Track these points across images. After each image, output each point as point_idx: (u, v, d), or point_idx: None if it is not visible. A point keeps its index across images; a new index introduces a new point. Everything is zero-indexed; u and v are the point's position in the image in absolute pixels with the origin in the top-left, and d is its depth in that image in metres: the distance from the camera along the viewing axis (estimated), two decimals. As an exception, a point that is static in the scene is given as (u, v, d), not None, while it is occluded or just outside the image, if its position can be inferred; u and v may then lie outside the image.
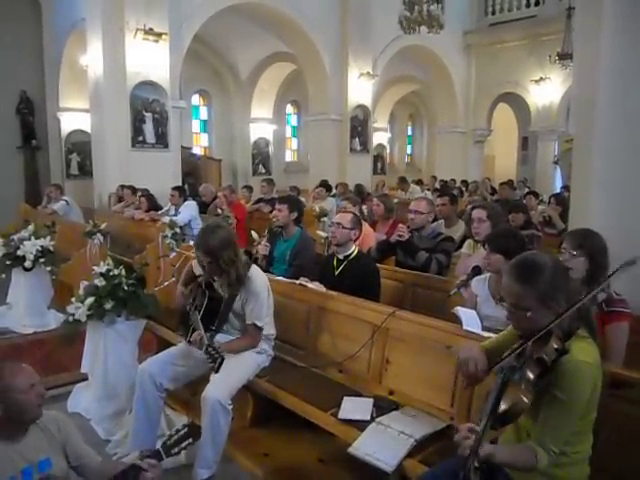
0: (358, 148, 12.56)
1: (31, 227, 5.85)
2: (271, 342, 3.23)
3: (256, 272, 3.06)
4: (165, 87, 9.04)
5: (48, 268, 5.74)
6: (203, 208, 8.01)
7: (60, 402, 3.94)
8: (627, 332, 2.49)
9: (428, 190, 11.98)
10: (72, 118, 11.29)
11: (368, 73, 12.15)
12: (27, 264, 5.61)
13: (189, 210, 7.13)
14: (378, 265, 4.09)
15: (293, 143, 17.62)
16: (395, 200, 8.91)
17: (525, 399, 1.59)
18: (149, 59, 8.76)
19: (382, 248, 4.22)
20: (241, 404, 3.48)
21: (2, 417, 2.07)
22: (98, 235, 6.14)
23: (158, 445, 2.13)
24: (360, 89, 12.21)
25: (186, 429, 2.21)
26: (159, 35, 8.52)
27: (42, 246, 5.70)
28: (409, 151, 21.51)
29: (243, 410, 3.49)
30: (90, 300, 3.68)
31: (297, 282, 3.49)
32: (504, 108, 16.88)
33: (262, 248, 4.57)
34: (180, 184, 8.78)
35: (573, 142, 3.53)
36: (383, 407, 2.63)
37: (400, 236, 3.98)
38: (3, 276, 5.72)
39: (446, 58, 14.53)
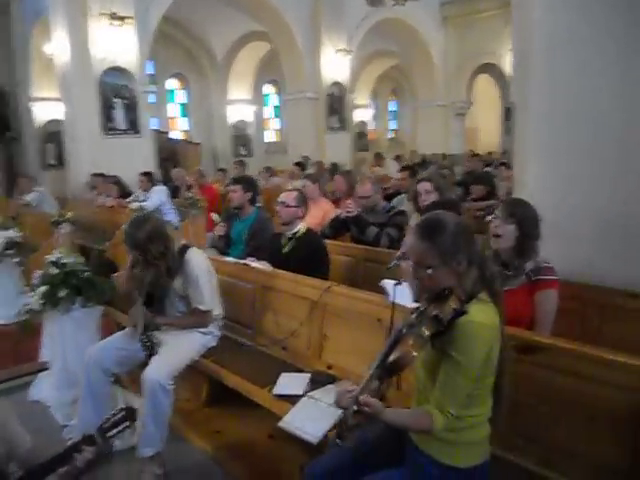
0: (336, 126, 12.50)
1: (-3, 219, 5.86)
2: (218, 322, 3.27)
3: (193, 256, 3.06)
4: (134, 72, 8.95)
5: (16, 259, 5.74)
6: (176, 193, 8.02)
7: (24, 391, 4.00)
8: (556, 299, 2.51)
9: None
10: (45, 108, 11.17)
11: (343, 49, 12.05)
12: (-7, 254, 5.62)
13: (158, 195, 7.13)
14: (331, 241, 4.14)
15: (275, 123, 17.51)
16: (370, 175, 8.95)
17: (413, 352, 1.63)
18: (115, 44, 8.66)
19: (334, 225, 4.25)
20: (195, 384, 3.55)
21: None
22: (64, 224, 6.15)
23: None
24: (335, 66, 12.11)
25: (123, 412, 2.24)
26: (123, 19, 8.40)
27: (8, 238, 5.70)
28: (394, 127, 21.40)
29: (198, 390, 3.56)
30: (43, 289, 3.71)
31: (242, 262, 3.51)
32: (487, 79, 16.78)
33: (218, 229, 4.59)
34: (151, 169, 8.71)
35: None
36: (319, 381, 2.68)
37: (348, 212, 4.00)
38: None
39: (423, 31, 14.40)
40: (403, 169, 5.29)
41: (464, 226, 1.77)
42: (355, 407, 1.60)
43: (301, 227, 3.68)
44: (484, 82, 16.67)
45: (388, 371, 1.69)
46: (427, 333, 1.64)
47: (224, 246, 4.63)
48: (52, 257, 3.80)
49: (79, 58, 8.52)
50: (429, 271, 1.71)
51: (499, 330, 1.72)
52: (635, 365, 1.83)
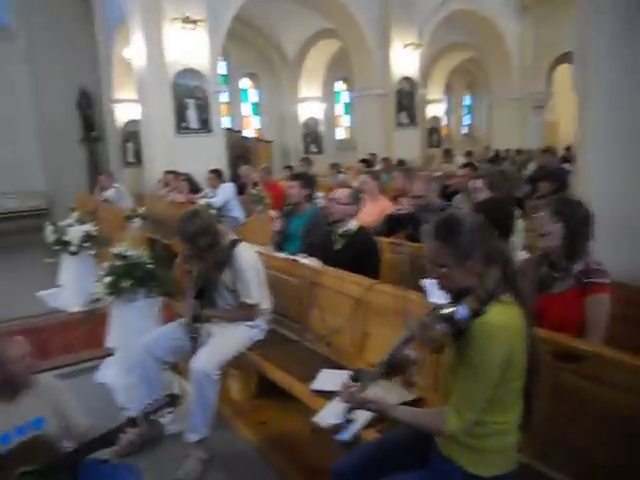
0: (405, 122, 12.33)
1: (75, 214, 6.28)
2: (266, 316, 3.33)
3: (242, 250, 3.14)
4: (205, 73, 9.25)
5: (92, 252, 6.13)
6: (243, 190, 8.23)
7: (91, 374, 4.28)
8: (608, 305, 2.35)
9: (479, 162, 11.61)
10: (125, 109, 11.79)
11: (413, 44, 11.85)
12: (72, 249, 6.02)
13: (225, 192, 7.34)
14: (385, 239, 4.10)
15: (345, 120, 17.52)
16: (439, 173, 8.77)
17: (416, 353, 1.59)
18: (188, 47, 8.98)
19: (388, 222, 4.21)
20: (246, 376, 3.65)
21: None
22: (136, 219, 6.49)
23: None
24: (405, 61, 11.94)
25: (167, 399, 2.40)
26: (195, 22, 8.71)
27: (85, 231, 6.10)
28: (468, 122, 20.81)
29: (248, 382, 3.65)
30: (108, 279, 3.95)
31: (291, 258, 3.56)
32: (569, 69, 15.92)
33: (275, 224, 4.67)
34: (222, 167, 8.97)
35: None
36: (359, 379, 2.66)
37: (399, 210, 3.94)
38: (53, 260, 6.22)
39: (499, 21, 13.89)
40: (464, 166, 5.13)
41: (480, 225, 1.70)
42: (351, 405, 1.59)
43: (353, 224, 3.68)
44: (566, 72, 15.82)
45: (393, 369, 1.68)
46: (437, 333, 1.60)
47: (280, 241, 4.71)
48: (117, 249, 4.03)
49: (154, 61, 8.92)
50: (443, 270, 1.67)
51: (522, 332, 1.64)
52: None
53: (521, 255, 2.81)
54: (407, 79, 12.12)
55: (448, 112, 19.24)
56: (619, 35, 2.85)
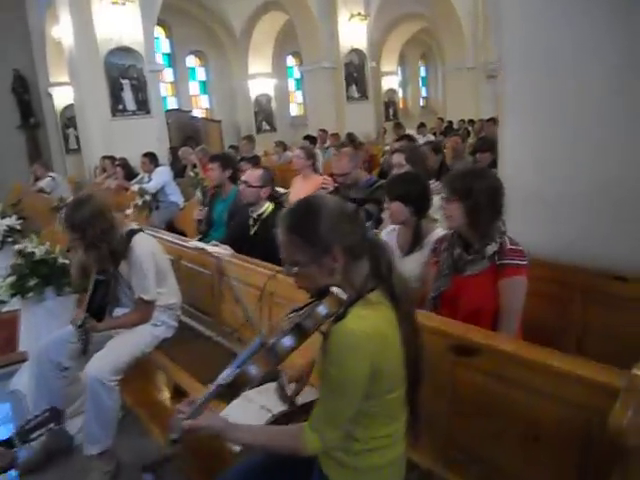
0: (356, 96, 12.06)
1: (-5, 207, 5.88)
2: (173, 312, 3.09)
3: (139, 241, 2.86)
4: (140, 51, 8.81)
5: (16, 246, 5.74)
6: (183, 172, 7.90)
7: (8, 380, 3.98)
8: (523, 288, 2.15)
9: (433, 134, 11.46)
10: (64, 93, 11.21)
11: (359, 14, 11.52)
12: (-7, 242, 5.64)
13: (160, 176, 6.98)
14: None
15: (298, 97, 17.13)
16: (387, 147, 8.55)
17: (256, 369, 1.36)
18: (120, 24, 8.51)
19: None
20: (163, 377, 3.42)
21: None
22: (63, 209, 6.10)
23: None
24: (353, 32, 11.63)
25: (47, 414, 2.15)
26: (124, -3, 8.23)
27: (8, 225, 5.71)
28: (424, 94, 20.62)
29: (168, 382, 3.42)
30: (9, 280, 3.65)
31: (200, 246, 3.32)
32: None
33: (197, 213, 4.41)
34: (165, 149, 8.61)
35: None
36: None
37: (324, 188, 3.72)
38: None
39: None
40: (398, 139, 4.91)
41: (342, 212, 1.44)
42: (175, 435, 1.35)
43: (267, 207, 3.45)
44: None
45: (230, 392, 1.40)
46: (284, 346, 1.37)
47: (206, 229, 4.46)
48: (20, 246, 3.73)
49: (84, 40, 8.43)
50: (295, 269, 1.42)
51: (392, 338, 1.41)
52: (588, 378, 1.47)
53: (436, 234, 2.62)
54: (356, 51, 11.82)
55: (403, 84, 18.99)
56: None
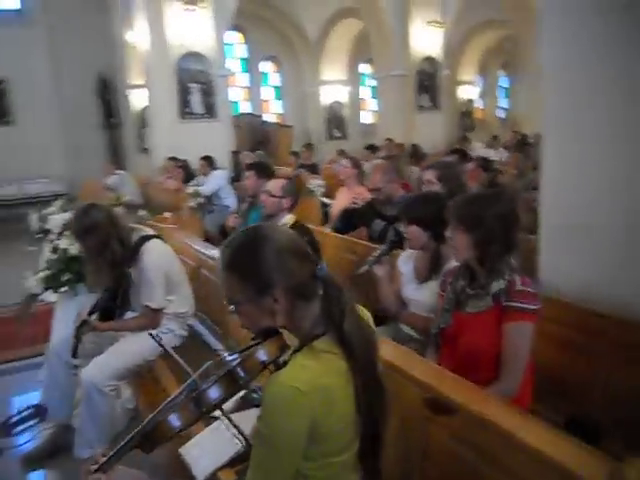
0: (427, 105, 11.72)
1: (58, 202, 6.15)
2: (183, 320, 3.04)
3: (149, 249, 2.84)
4: (209, 57, 8.98)
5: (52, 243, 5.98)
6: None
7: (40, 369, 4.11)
8: (528, 335, 1.88)
9: (505, 148, 10.90)
10: (140, 94, 11.69)
11: (435, 21, 11.19)
12: (52, 237, 5.90)
13: (216, 180, 7.09)
14: (337, 236, 3.74)
15: (372, 104, 16.92)
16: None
17: (179, 419, 1.21)
18: (191, 30, 8.73)
19: (343, 218, 3.82)
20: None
21: None
22: (119, 208, 6.30)
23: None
24: (427, 40, 11.31)
25: (31, 410, 2.23)
26: (195, 2, 8.42)
27: (66, 220, 5.95)
28: (505, 105, 19.75)
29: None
30: (43, 274, 3.76)
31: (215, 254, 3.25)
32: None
33: (232, 220, 4.37)
34: (226, 154, 8.70)
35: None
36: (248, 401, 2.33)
37: (354, 203, 3.55)
38: (35, 248, 6.11)
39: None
40: (452, 152, 4.63)
41: (289, 247, 1.28)
42: None
43: (287, 219, 3.32)
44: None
45: (153, 440, 1.25)
46: (211, 397, 1.22)
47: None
48: (54, 243, 3.84)
49: (157, 45, 8.70)
50: (231, 307, 1.29)
51: (338, 392, 1.23)
52: (568, 470, 1.17)
53: (450, 265, 2.40)
54: (429, 59, 11.49)
55: (483, 94, 18.29)
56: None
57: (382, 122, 12.30)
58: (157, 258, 2.85)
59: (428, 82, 11.60)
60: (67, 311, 3.78)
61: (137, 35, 9.29)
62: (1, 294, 5.77)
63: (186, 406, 1.22)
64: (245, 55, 14.63)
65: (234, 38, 14.21)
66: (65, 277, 3.74)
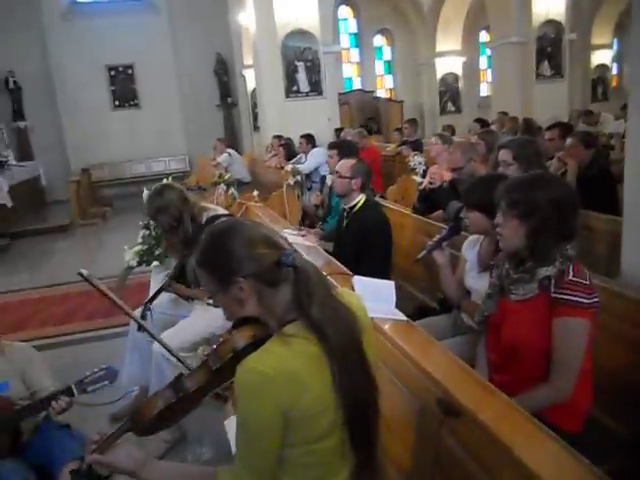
0: (548, 73, 10.81)
1: (169, 179, 6.60)
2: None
3: None
4: (315, 34, 8.99)
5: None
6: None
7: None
8: (582, 333, 1.68)
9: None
10: (252, 75, 12.06)
11: (560, -20, 10.22)
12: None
13: (315, 158, 7.13)
14: (420, 218, 3.61)
15: (489, 75, 15.95)
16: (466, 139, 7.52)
17: (163, 403, 1.25)
18: (297, 7, 8.78)
19: (421, 198, 3.67)
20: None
21: None
22: (222, 185, 6.62)
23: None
24: (549, 1, 10.36)
25: (103, 372, 2.46)
26: (301, -20, 8.44)
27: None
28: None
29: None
30: (137, 248, 4.07)
31: (285, 232, 3.28)
32: None
33: (315, 198, 4.39)
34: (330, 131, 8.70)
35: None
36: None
37: (431, 183, 3.40)
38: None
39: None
40: (550, 127, 4.25)
41: (252, 235, 1.29)
42: (84, 465, 1.28)
43: (359, 199, 3.27)
44: None
45: (142, 424, 1.29)
46: (187, 384, 1.25)
47: (324, 215, 4.44)
48: (144, 220, 4.12)
49: (264, 24, 8.88)
50: (210, 300, 1.34)
51: (309, 378, 1.21)
52: None
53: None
54: (551, 22, 10.53)
55: (618, 59, 16.46)
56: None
57: (497, 94, 11.58)
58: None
59: (550, 48, 10.67)
60: (157, 283, 4.05)
61: (248, 16, 9.55)
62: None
63: (165, 391, 1.27)
64: (355, 30, 14.47)
65: (345, 13, 14.10)
66: (157, 252, 4.00)
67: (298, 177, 6.94)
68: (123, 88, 12.96)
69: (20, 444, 2.49)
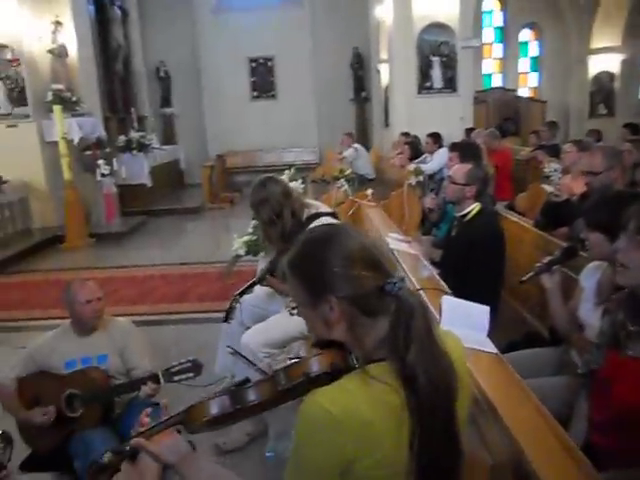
0: None
1: (288, 171, 6.71)
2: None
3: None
4: (454, 27, 8.62)
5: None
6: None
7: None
8: None
9: None
10: (386, 69, 11.89)
11: None
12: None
13: (440, 158, 6.83)
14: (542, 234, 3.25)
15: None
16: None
17: (212, 408, 1.17)
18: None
19: (547, 211, 3.29)
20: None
21: (72, 319, 2.71)
22: (341, 180, 6.57)
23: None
24: None
25: (189, 364, 2.55)
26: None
27: (296, 188, 6.49)
28: None
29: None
30: (246, 238, 4.17)
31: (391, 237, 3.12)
32: None
33: (429, 201, 4.17)
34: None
35: None
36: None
37: (556, 195, 3.03)
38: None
39: None
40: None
41: (358, 252, 1.12)
42: (127, 447, 1.22)
43: (473, 208, 3.00)
44: None
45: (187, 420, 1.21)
46: (249, 398, 1.16)
47: (437, 220, 4.20)
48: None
49: (401, 17, 8.69)
50: (294, 308, 1.23)
51: (381, 431, 1.03)
52: None
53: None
54: None
55: None
56: None
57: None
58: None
59: None
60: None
61: (385, 9, 9.41)
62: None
63: (223, 398, 1.19)
64: (501, 24, 13.65)
65: (490, 5, 13.36)
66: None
67: (420, 177, 6.71)
68: (262, 79, 13.47)
69: (111, 417, 2.63)
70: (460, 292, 2.18)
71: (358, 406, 1.02)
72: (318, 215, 2.95)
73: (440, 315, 1.85)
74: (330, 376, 1.09)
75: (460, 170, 2.99)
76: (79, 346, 2.73)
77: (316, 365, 1.12)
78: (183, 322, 4.53)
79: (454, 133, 8.10)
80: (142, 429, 1.26)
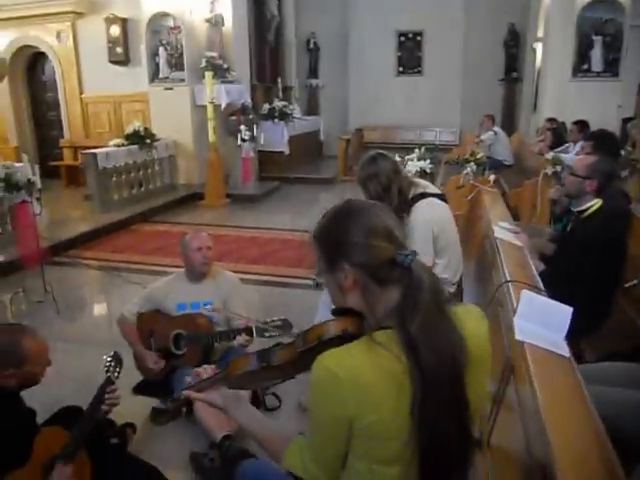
0: None
1: (417, 150, 6.60)
2: (446, 287, 2.98)
3: (420, 207, 2.83)
4: (624, 3, 7.73)
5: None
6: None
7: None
8: None
9: None
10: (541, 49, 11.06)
11: None
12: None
13: (583, 148, 6.29)
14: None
15: None
16: None
17: (240, 367, 1.27)
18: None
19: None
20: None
21: (186, 265, 3.04)
22: (471, 164, 6.32)
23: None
24: None
25: (281, 322, 2.77)
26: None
27: (420, 167, 6.41)
28: None
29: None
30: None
31: (500, 228, 2.99)
32: None
33: (553, 192, 3.91)
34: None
35: None
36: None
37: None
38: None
39: None
40: None
41: (375, 224, 1.17)
42: (183, 395, 1.39)
43: (593, 205, 2.77)
44: None
45: (228, 376, 1.35)
46: (274, 358, 1.26)
47: (562, 212, 3.93)
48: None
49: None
50: (318, 277, 1.28)
51: (375, 390, 1.09)
52: None
53: None
54: None
55: None
56: None
57: None
58: (425, 217, 2.84)
59: None
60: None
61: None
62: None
63: (253, 357, 1.30)
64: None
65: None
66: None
67: (558, 167, 6.23)
68: (409, 54, 13.22)
69: (209, 361, 2.90)
70: (567, 291, 2.06)
71: (360, 370, 1.09)
72: (424, 195, 2.93)
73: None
74: (342, 340, 1.15)
75: (582, 161, 2.76)
76: (190, 291, 3.04)
77: (329, 330, 1.19)
78: (293, 286, 4.75)
79: (609, 122, 7.36)
80: (188, 384, 1.43)
